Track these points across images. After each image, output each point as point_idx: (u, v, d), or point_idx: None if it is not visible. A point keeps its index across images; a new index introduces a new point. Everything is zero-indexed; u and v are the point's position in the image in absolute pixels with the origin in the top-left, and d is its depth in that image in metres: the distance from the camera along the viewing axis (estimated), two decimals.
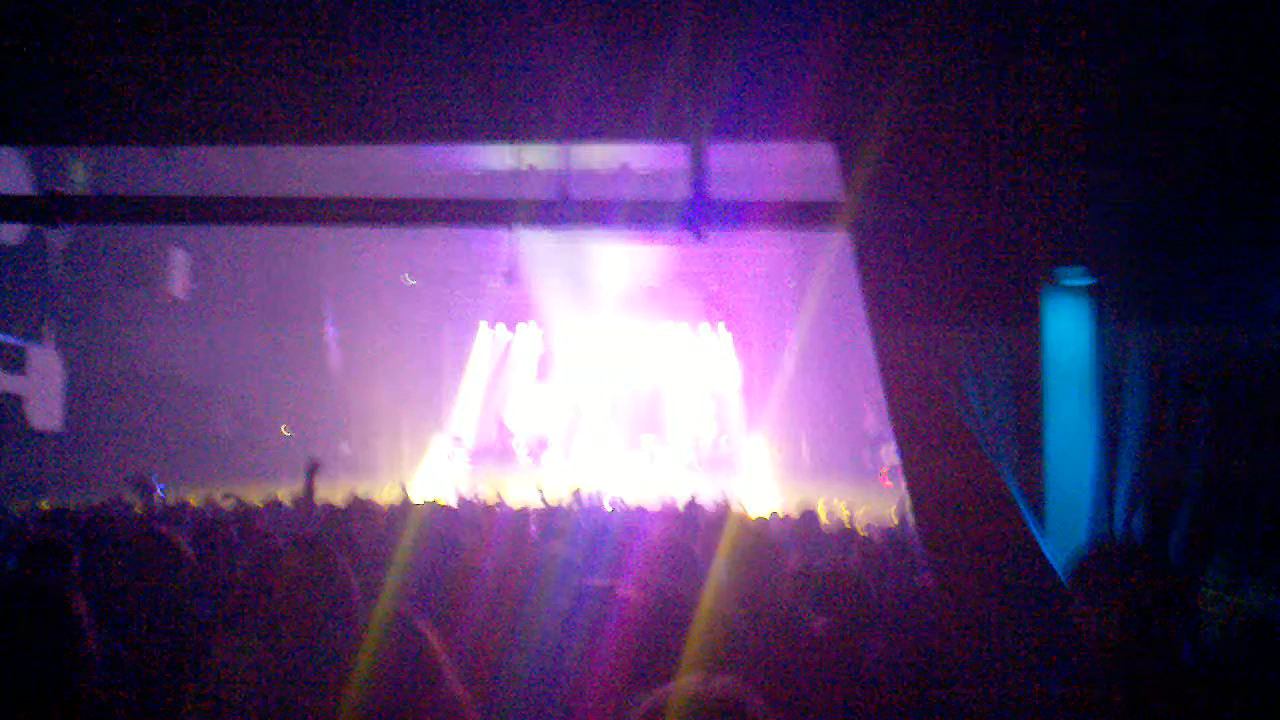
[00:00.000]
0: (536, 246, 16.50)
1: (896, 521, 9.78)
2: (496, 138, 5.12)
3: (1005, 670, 3.45)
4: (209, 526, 5.21)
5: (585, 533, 5.16)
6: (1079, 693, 2.64)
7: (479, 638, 2.92)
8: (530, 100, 4.66)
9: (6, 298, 14.31)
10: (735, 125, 4.51)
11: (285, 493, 8.74)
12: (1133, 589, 2.53)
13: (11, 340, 14.85)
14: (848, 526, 7.92)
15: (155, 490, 8.45)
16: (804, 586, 3.82)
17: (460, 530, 5.90)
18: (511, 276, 13.69)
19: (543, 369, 23.53)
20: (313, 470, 6.71)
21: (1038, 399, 3.95)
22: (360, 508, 6.92)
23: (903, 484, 4.33)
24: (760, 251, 19.86)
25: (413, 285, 21.37)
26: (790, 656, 3.14)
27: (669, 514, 6.97)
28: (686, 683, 1.63)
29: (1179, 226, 3.86)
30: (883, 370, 4.19)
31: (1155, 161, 3.88)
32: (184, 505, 7.76)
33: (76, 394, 16.09)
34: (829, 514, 9.71)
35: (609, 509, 9.28)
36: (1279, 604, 3.20)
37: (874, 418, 18.28)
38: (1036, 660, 3.31)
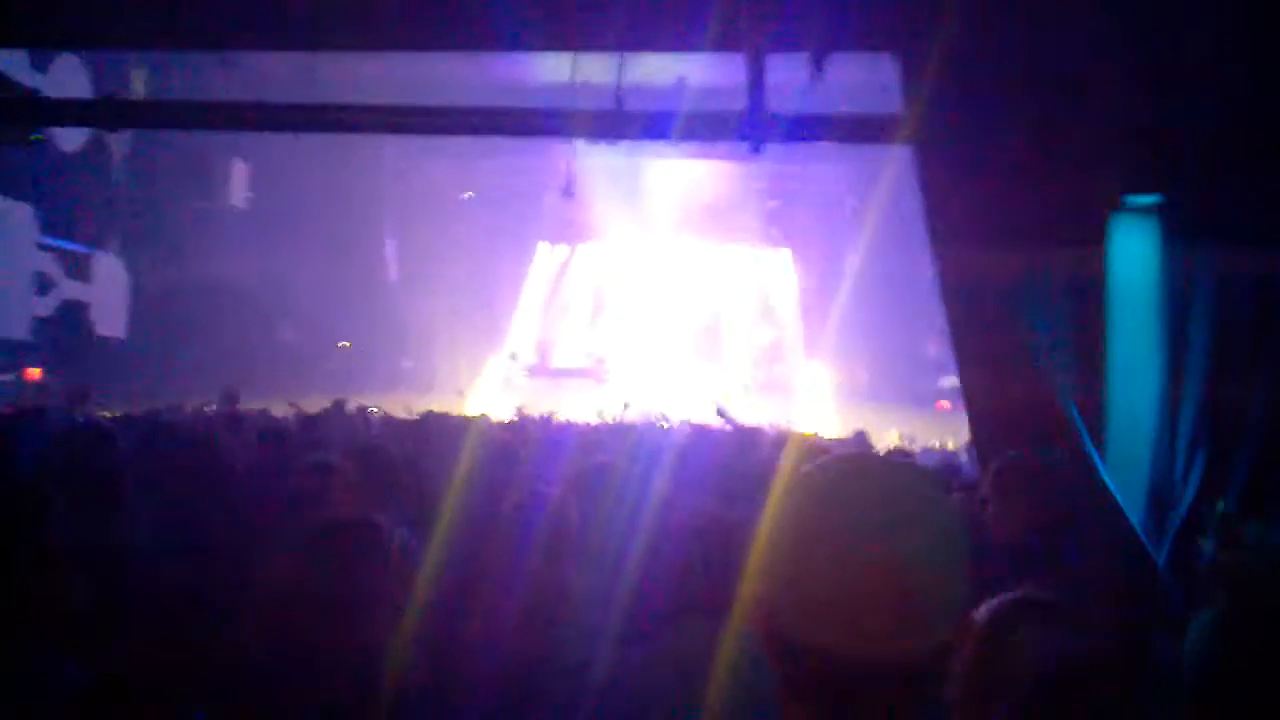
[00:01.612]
0: (595, 163, 16.32)
1: (952, 447, 9.65)
2: (554, 45, 4.99)
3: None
4: (269, 435, 5.27)
5: (645, 449, 5.07)
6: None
7: (534, 556, 2.88)
8: (588, 7, 4.54)
9: (70, 205, 14.41)
10: (795, 34, 4.35)
11: (350, 404, 8.83)
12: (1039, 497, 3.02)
13: (76, 248, 15.02)
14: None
15: (238, 401, 8.66)
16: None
17: (518, 446, 5.85)
18: (569, 191, 13.53)
19: (600, 288, 23.44)
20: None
21: (1102, 325, 3.80)
22: (431, 421, 6.91)
23: (962, 409, 4.22)
24: (820, 171, 19.46)
25: (470, 200, 21.34)
26: None
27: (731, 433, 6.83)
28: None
29: (1253, 152, 3.65)
30: (944, 293, 4.06)
31: (1229, 84, 3.66)
32: (245, 415, 7.86)
33: (140, 302, 16.22)
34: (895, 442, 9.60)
35: (667, 425, 9.22)
36: None
37: (935, 343, 18.02)
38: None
